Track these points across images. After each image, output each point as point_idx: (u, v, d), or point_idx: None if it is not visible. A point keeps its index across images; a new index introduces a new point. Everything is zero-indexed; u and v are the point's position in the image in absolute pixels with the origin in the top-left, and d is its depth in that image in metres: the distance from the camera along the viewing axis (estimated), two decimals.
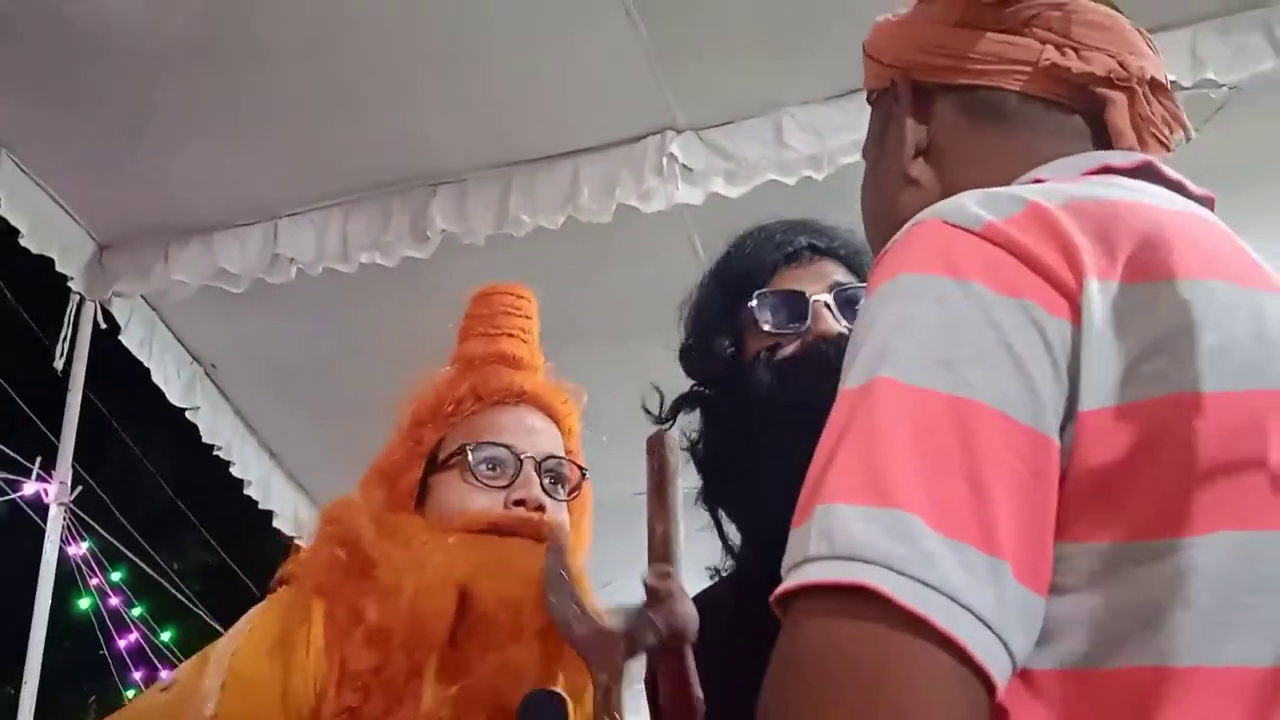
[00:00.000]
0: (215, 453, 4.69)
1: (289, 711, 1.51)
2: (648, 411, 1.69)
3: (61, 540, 4.08)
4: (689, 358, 1.67)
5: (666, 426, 1.65)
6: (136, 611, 6.12)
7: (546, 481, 1.70)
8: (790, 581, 0.73)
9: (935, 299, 0.79)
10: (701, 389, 1.65)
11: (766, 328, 1.54)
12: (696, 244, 3.70)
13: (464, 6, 3.21)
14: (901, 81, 1.10)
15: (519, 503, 1.64)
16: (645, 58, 3.35)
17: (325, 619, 1.57)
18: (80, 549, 4.98)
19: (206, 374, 4.54)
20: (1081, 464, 0.76)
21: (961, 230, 0.82)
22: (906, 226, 0.88)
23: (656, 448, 1.40)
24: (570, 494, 1.74)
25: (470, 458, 1.68)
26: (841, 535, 0.71)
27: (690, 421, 1.66)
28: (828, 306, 1.54)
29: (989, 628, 0.70)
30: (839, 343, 1.47)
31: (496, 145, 3.64)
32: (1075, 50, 1.02)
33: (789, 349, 1.52)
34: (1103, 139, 1.02)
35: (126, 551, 5.60)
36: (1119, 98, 1.02)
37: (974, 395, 0.75)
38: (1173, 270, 0.80)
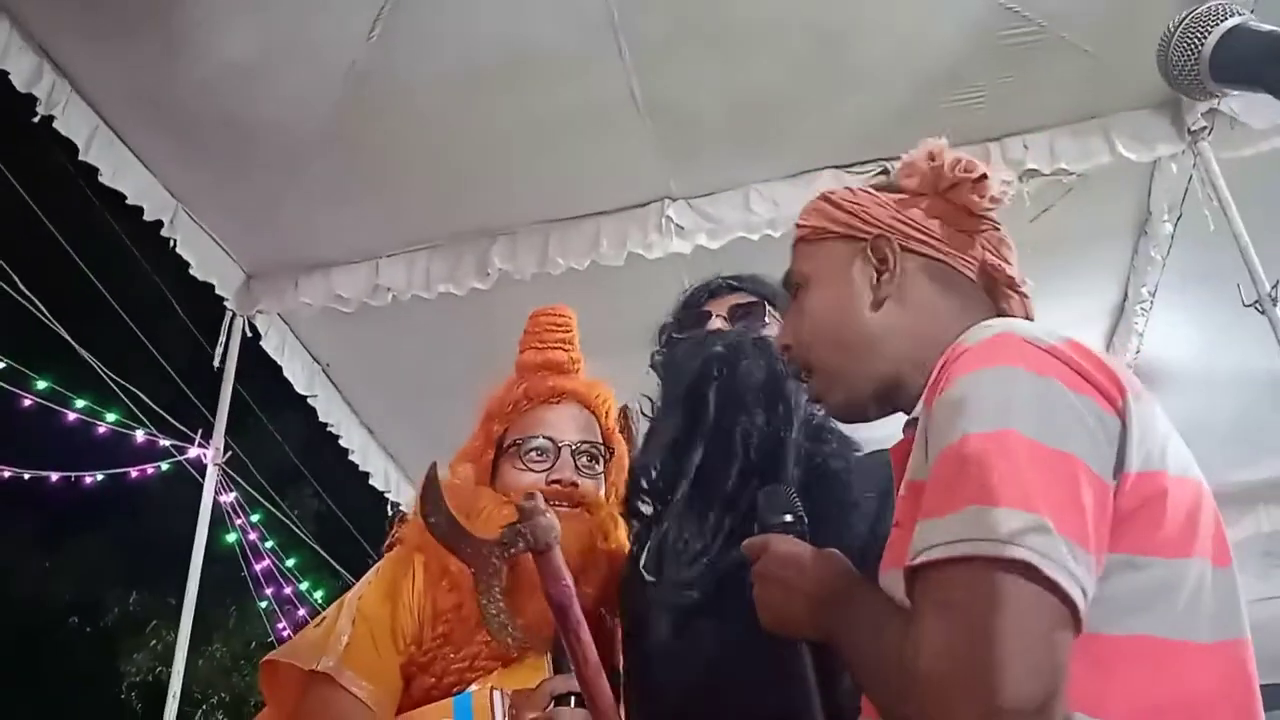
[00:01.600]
0: (328, 429, 4.70)
1: (396, 638, 1.54)
2: (643, 414, 1.73)
3: (215, 491, 4.09)
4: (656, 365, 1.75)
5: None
6: (269, 544, 6.15)
7: (582, 461, 1.70)
8: (956, 551, 0.83)
9: (1031, 384, 0.90)
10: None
11: (678, 336, 1.67)
12: (685, 281, 3.69)
13: (518, 111, 3.24)
14: (892, 243, 1.16)
15: (556, 481, 1.66)
16: (651, 147, 3.38)
17: (424, 570, 1.60)
18: (229, 498, 5.00)
19: (323, 371, 4.54)
20: (1117, 504, 0.88)
21: (1034, 345, 0.93)
22: (985, 335, 0.97)
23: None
24: (603, 468, 1.75)
25: (521, 447, 1.69)
26: (1004, 527, 0.82)
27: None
28: (723, 317, 1.66)
29: (1086, 598, 0.82)
30: (718, 334, 1.62)
31: (540, 207, 3.66)
32: (1000, 259, 1.16)
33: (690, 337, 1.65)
34: (995, 309, 1.16)
35: (262, 500, 5.62)
36: (1016, 297, 1.16)
37: (1072, 451, 0.86)
38: (1149, 399, 0.94)
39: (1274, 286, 2.94)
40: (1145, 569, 0.88)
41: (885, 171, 3.29)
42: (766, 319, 1.65)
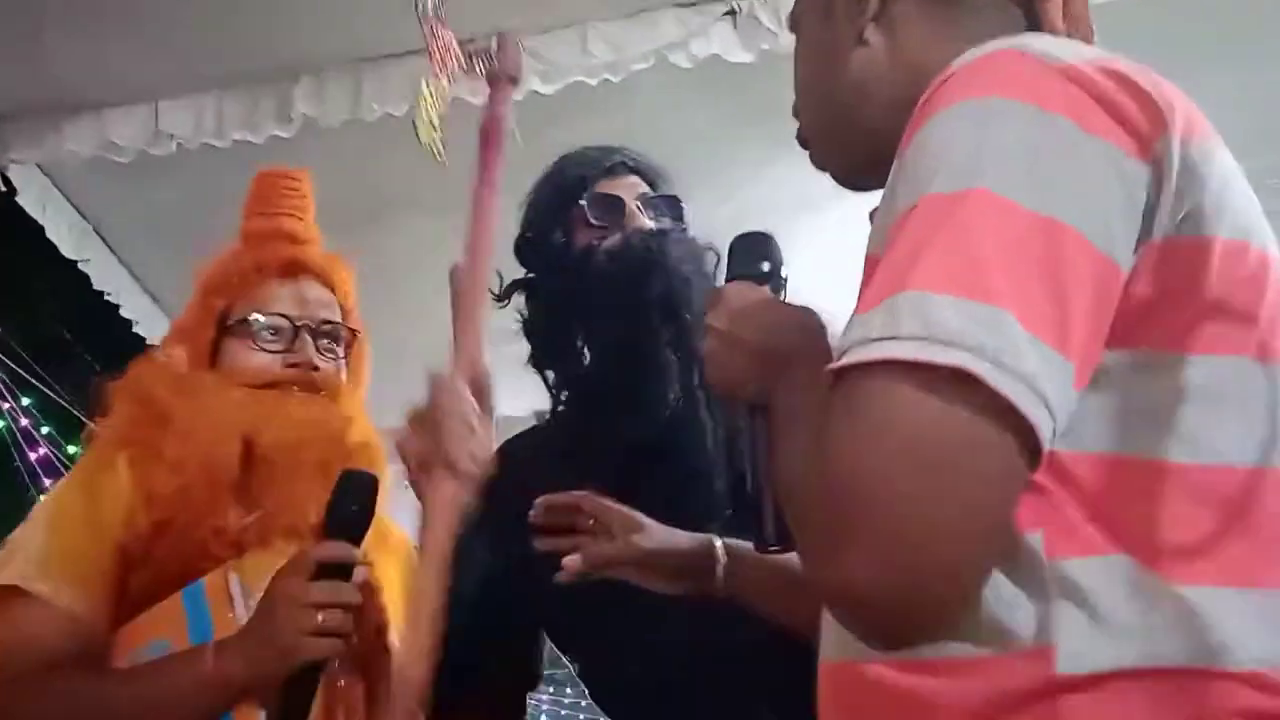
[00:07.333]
0: (106, 298, 4.49)
1: (101, 530, 1.49)
2: (492, 293, 1.68)
3: None
4: (526, 246, 1.72)
5: (503, 305, 1.72)
6: (45, 431, 5.98)
7: (322, 343, 1.69)
8: (871, 353, 0.69)
9: (1026, 124, 0.73)
10: (532, 276, 1.71)
11: (594, 222, 1.65)
12: (515, 131, 3.67)
13: None
14: None
15: (294, 364, 1.65)
16: None
17: (128, 464, 1.55)
18: None
19: (95, 231, 4.28)
20: (1134, 285, 0.74)
21: (1043, 62, 0.75)
22: (975, 54, 0.79)
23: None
24: (346, 352, 1.74)
25: (254, 325, 1.66)
26: (938, 322, 0.67)
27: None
28: (639, 207, 1.66)
29: (1053, 416, 0.68)
30: (648, 234, 1.62)
31: (352, 43, 3.49)
32: None
33: (612, 239, 1.63)
34: (1034, 29, 0.94)
35: (33, 380, 5.39)
36: None
37: (1062, 218, 0.70)
38: (1205, 134, 0.78)
39: None
40: (1172, 369, 0.74)
41: (733, 11, 3.28)
42: (686, 219, 1.69)
